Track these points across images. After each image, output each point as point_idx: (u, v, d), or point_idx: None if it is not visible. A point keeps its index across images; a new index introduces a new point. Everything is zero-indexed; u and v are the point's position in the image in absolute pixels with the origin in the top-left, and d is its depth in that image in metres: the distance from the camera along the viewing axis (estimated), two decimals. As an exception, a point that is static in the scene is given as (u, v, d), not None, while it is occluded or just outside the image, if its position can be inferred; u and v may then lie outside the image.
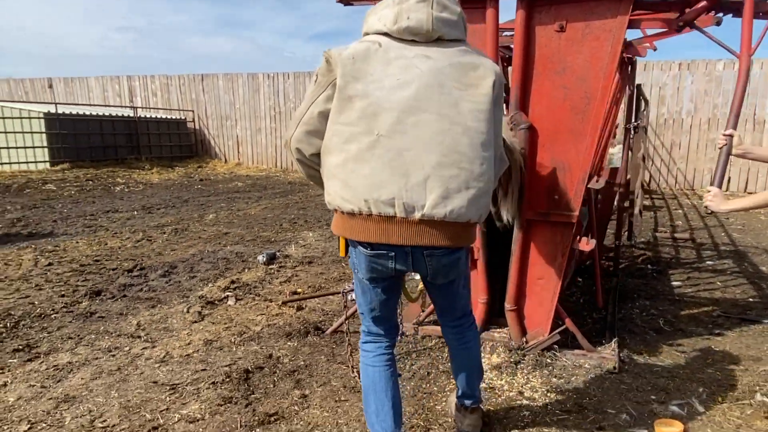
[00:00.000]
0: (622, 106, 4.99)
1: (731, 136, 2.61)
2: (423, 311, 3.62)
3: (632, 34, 3.91)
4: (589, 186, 3.02)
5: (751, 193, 7.28)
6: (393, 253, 1.90)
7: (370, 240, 1.88)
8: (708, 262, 5.52)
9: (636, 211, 6.44)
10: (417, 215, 1.81)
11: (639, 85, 4.66)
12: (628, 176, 4.70)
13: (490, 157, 1.88)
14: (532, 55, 2.91)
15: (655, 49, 4.18)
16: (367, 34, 1.93)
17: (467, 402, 2.42)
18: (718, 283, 4.78)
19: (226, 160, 16.20)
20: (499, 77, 1.89)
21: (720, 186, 2.50)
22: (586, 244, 2.96)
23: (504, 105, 2.02)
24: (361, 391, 2.78)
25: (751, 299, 4.34)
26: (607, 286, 4.54)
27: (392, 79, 1.81)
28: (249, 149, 15.87)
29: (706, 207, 2.47)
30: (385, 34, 1.87)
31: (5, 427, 2.57)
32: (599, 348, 3.25)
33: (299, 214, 8.48)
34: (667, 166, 11.32)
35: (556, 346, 3.19)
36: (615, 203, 4.81)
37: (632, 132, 4.47)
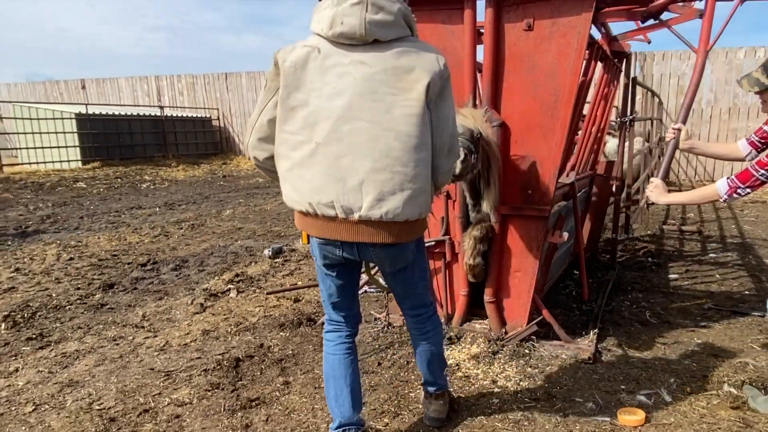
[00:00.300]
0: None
1: (679, 130, 2.65)
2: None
3: (619, 28, 3.92)
4: (559, 180, 3.07)
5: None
6: (339, 243, 2.05)
7: (319, 236, 2.05)
8: (711, 255, 5.45)
9: (642, 203, 6.40)
10: (355, 216, 1.94)
11: (634, 78, 4.63)
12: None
13: (424, 158, 1.94)
14: (502, 53, 2.97)
15: (649, 42, 4.17)
16: (313, 31, 2.00)
17: (430, 389, 2.53)
18: (717, 275, 4.74)
19: (249, 156, 16.56)
20: (436, 77, 1.90)
21: (664, 178, 2.55)
22: (558, 238, 3.02)
23: (449, 100, 2.02)
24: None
25: (747, 292, 4.29)
26: (602, 278, 4.56)
27: (329, 88, 1.90)
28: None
29: (646, 198, 2.52)
30: (326, 39, 1.93)
31: (13, 408, 2.81)
32: (578, 339, 3.31)
33: (312, 209, 8.67)
34: (687, 158, 11.07)
35: (534, 337, 3.26)
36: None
37: (628, 125, 4.46)
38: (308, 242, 2.21)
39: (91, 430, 2.57)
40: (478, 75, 3.19)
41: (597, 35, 3.81)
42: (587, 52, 3.26)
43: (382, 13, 1.87)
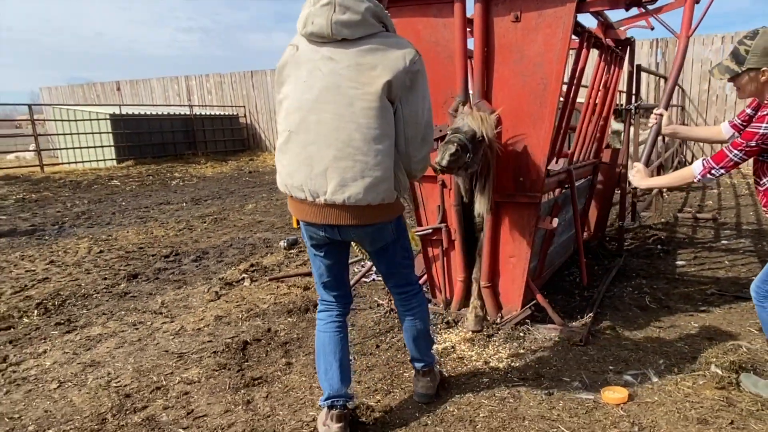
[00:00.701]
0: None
1: (661, 115, 2.68)
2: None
3: (618, 15, 3.94)
4: (548, 168, 3.14)
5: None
6: (321, 226, 2.23)
7: (294, 215, 2.28)
8: (723, 242, 5.38)
9: (655, 191, 6.34)
10: (321, 200, 2.12)
11: (638, 66, 4.60)
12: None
13: (385, 149, 2.08)
14: (492, 45, 3.06)
15: (652, 29, 4.16)
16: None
17: (417, 365, 2.66)
18: (726, 262, 4.69)
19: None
20: (400, 74, 2.03)
21: (646, 163, 2.60)
22: (549, 224, 3.09)
23: (420, 92, 2.14)
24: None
25: (754, 277, 4.24)
26: (608, 266, 4.58)
27: (301, 81, 2.10)
28: (297, 141, 16.47)
29: (629, 183, 2.58)
30: (303, 37, 2.12)
31: (40, 385, 3.06)
32: (572, 323, 3.37)
33: (332, 202, 8.85)
34: (711, 145, 10.78)
35: (528, 321, 3.34)
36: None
37: (633, 113, 4.45)
38: (298, 226, 2.39)
39: (107, 405, 2.79)
40: (470, 66, 3.27)
41: (593, 23, 3.84)
42: (578, 40, 3.31)
43: (349, 13, 2.01)
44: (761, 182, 2.44)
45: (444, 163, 2.66)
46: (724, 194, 8.15)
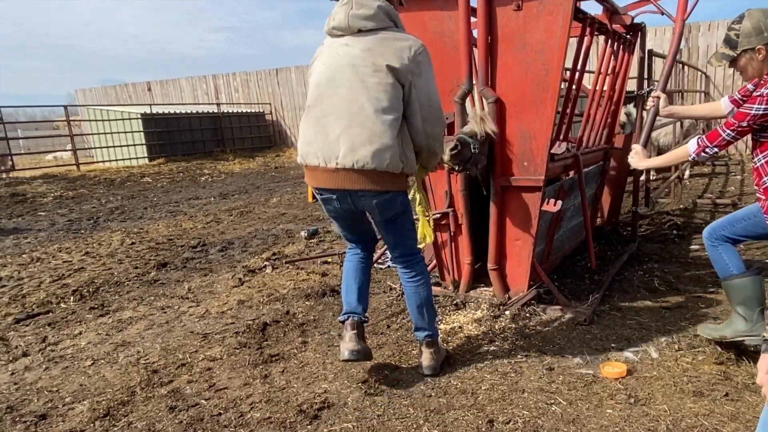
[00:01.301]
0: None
1: (659, 98, 2.74)
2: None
3: (625, 0, 3.98)
4: (551, 151, 3.22)
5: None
6: (335, 196, 2.51)
7: (310, 183, 2.57)
8: (741, 226, 5.33)
9: (673, 177, 6.30)
10: (332, 165, 2.41)
11: (650, 51, 4.61)
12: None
13: (392, 120, 2.35)
14: (495, 34, 3.16)
15: (662, 14, 4.17)
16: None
17: (420, 335, 2.82)
18: (741, 246, 4.67)
19: (301, 148, 17.21)
20: (406, 60, 2.35)
21: (645, 145, 2.67)
22: (553, 206, 3.18)
23: (428, 78, 2.42)
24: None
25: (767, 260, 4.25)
26: (621, 251, 4.62)
27: (322, 64, 2.47)
28: (321, 137, 16.72)
29: (623, 168, 2.65)
30: (327, 34, 2.53)
31: (76, 363, 3.31)
32: (579, 304, 3.45)
33: (354, 194, 9.03)
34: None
35: (534, 302, 3.44)
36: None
37: (645, 98, 4.46)
38: (314, 200, 2.63)
39: (137, 379, 3.01)
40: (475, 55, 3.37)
41: (600, 10, 3.88)
42: (581, 26, 3.37)
43: (363, 9, 2.38)
44: (755, 159, 2.49)
45: (446, 157, 2.86)
46: (747, 180, 8.02)
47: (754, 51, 2.38)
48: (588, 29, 3.34)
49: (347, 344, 2.69)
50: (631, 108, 4.24)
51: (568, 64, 3.67)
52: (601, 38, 3.88)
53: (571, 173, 3.87)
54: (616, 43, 3.94)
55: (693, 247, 4.74)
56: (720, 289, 3.73)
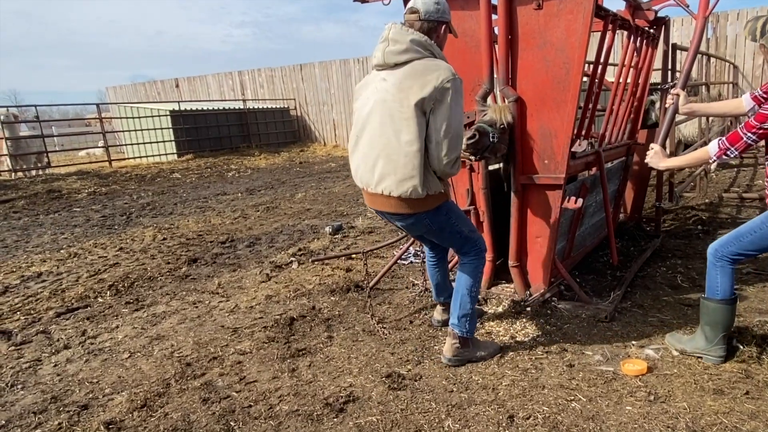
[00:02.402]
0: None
1: (678, 95, 2.74)
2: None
3: (648, -4, 3.93)
4: (573, 150, 3.24)
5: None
6: (377, 211, 2.86)
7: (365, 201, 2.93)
8: None
9: (698, 171, 6.20)
10: (370, 190, 2.74)
11: (674, 45, 4.55)
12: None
13: (413, 152, 2.54)
14: (516, 33, 3.19)
15: (686, 6, 4.13)
16: None
17: (450, 323, 2.99)
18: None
19: (324, 143, 17.34)
20: (433, 92, 2.49)
21: (663, 144, 2.67)
22: (574, 203, 3.20)
23: (450, 106, 2.53)
24: (373, 333, 3.38)
25: (798, 256, 4.17)
26: (645, 247, 4.60)
27: (364, 98, 2.74)
28: (344, 132, 16.83)
29: (636, 163, 2.67)
30: (374, 67, 2.75)
31: (113, 355, 3.48)
32: (600, 301, 3.48)
33: (378, 189, 9.11)
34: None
35: (555, 299, 3.48)
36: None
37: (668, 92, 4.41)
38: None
39: (171, 372, 3.16)
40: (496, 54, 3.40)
41: (622, 5, 3.86)
42: (602, 23, 3.37)
43: (397, 45, 2.59)
44: (767, 163, 2.49)
45: (463, 146, 2.90)
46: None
47: None
48: (610, 26, 3.33)
49: (435, 314, 3.49)
50: (656, 97, 4.20)
51: (591, 58, 3.68)
52: (625, 32, 3.86)
53: (593, 170, 3.87)
54: (639, 39, 3.91)
55: (719, 242, 4.68)
56: (744, 286, 3.72)
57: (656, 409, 2.43)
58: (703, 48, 9.92)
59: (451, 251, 3.31)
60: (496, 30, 3.36)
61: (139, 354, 3.46)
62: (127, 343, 3.64)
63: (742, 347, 2.79)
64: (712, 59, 9.65)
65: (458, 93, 2.56)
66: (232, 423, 2.56)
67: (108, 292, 4.66)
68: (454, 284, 3.06)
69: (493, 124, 3.10)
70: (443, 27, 2.71)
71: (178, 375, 3.08)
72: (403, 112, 2.53)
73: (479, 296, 3.69)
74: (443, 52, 2.71)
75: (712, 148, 2.50)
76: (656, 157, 2.75)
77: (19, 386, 3.09)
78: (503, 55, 3.24)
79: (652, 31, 4.16)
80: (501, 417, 2.45)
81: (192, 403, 2.77)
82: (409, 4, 2.70)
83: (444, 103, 2.51)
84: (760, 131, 2.37)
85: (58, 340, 3.72)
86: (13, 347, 3.63)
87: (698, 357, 2.81)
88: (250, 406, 2.71)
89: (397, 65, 2.60)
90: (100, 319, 4.10)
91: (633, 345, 3.01)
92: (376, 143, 2.63)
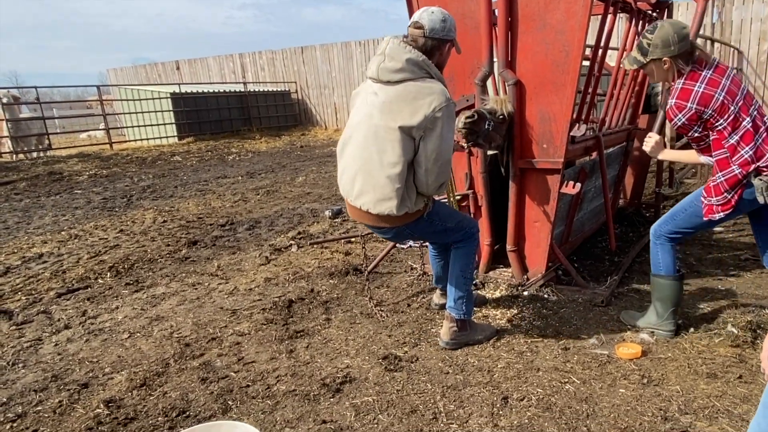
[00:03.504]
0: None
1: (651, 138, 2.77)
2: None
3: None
4: (572, 134, 3.23)
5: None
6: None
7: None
8: (770, 208, 5.23)
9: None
10: (350, 201, 2.73)
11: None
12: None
13: (395, 173, 2.52)
14: (515, 15, 3.15)
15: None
16: None
17: (447, 306, 3.01)
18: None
19: (325, 126, 17.28)
20: (422, 121, 2.45)
21: (660, 132, 2.68)
22: (572, 188, 3.20)
23: (440, 134, 2.50)
24: (371, 315, 3.40)
25: (796, 243, 4.17)
26: (644, 232, 4.61)
27: (355, 108, 2.71)
28: (345, 116, 16.75)
29: (639, 150, 2.68)
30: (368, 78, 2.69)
31: (113, 335, 3.51)
32: (597, 285, 3.49)
33: (378, 173, 9.10)
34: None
35: (553, 283, 3.49)
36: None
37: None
38: None
39: (170, 352, 3.19)
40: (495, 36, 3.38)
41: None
42: (603, 6, 3.33)
43: (393, 62, 2.52)
44: None
45: (460, 125, 2.95)
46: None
47: (660, 61, 2.56)
48: (611, 9, 3.30)
49: (434, 297, 3.51)
50: (657, 84, 4.17)
51: (591, 41, 3.65)
52: (626, 16, 3.82)
53: (593, 154, 3.86)
54: (640, 23, 3.87)
55: (717, 229, 4.69)
56: (742, 272, 3.73)
57: (649, 391, 2.46)
58: (707, 33, 9.80)
59: None
60: (496, 12, 3.32)
61: (138, 334, 3.49)
62: (127, 323, 3.67)
63: (736, 332, 2.81)
64: (716, 44, 9.54)
65: (450, 118, 2.54)
66: (230, 402, 2.60)
67: (108, 274, 4.69)
68: (451, 257, 3.04)
69: (494, 113, 3.11)
70: (447, 45, 2.64)
71: (177, 355, 3.12)
72: (389, 134, 2.50)
73: (476, 280, 3.71)
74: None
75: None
76: (656, 148, 2.77)
77: (20, 365, 3.13)
78: (503, 38, 3.21)
79: (654, 14, 4.12)
80: (495, 398, 2.48)
81: (191, 383, 2.80)
82: (414, 17, 2.61)
83: (435, 131, 2.49)
84: (677, 128, 2.60)
85: (58, 320, 3.75)
86: (14, 327, 3.67)
87: (650, 331, 2.96)
88: (248, 385, 2.74)
89: (390, 82, 2.54)
90: (101, 299, 4.13)
91: (629, 329, 3.03)
92: (358, 157, 2.61)
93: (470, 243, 2.94)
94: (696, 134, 2.57)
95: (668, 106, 2.56)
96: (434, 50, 2.59)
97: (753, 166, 2.48)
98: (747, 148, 2.48)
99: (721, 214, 2.61)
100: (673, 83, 2.59)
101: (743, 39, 10.13)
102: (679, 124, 2.56)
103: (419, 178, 2.57)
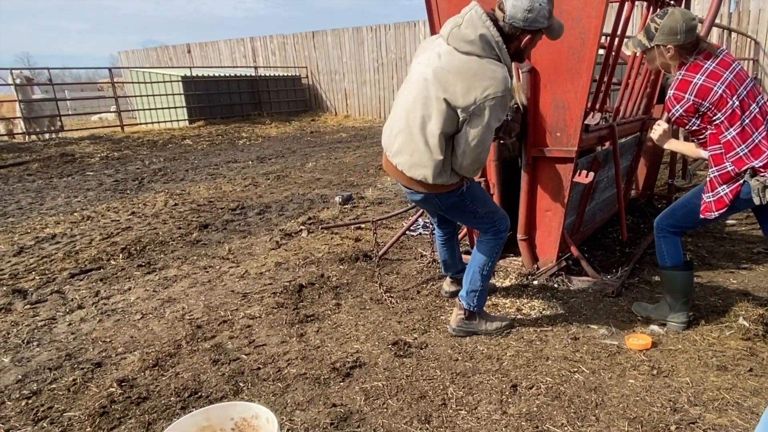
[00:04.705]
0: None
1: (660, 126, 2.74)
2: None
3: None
4: (587, 123, 3.20)
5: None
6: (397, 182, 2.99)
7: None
8: (785, 201, 5.18)
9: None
10: (388, 156, 2.72)
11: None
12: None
13: (435, 143, 2.48)
14: (532, 2, 3.11)
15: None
16: None
17: (459, 294, 3.01)
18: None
19: (336, 112, 17.22)
20: (472, 105, 2.39)
21: (669, 122, 2.65)
22: (585, 178, 3.18)
23: (486, 121, 2.43)
24: (381, 302, 3.43)
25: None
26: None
27: (417, 62, 2.61)
28: (356, 101, 16.70)
29: (650, 139, 2.65)
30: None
31: (126, 316, 3.56)
32: (608, 276, 3.48)
33: (388, 160, 9.09)
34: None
35: (562, 273, 3.49)
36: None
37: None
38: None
39: (182, 334, 3.22)
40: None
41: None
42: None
43: (468, 30, 2.41)
44: None
45: None
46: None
47: (665, 48, 2.52)
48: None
49: (444, 285, 3.50)
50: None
51: (608, 29, 3.60)
52: (644, 4, 3.76)
53: (607, 144, 3.83)
54: (658, 10, 3.81)
55: (729, 222, 4.65)
56: (754, 265, 3.71)
57: (659, 383, 2.46)
58: (725, 22, 9.63)
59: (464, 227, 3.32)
60: None
61: (150, 315, 3.53)
62: (140, 304, 3.72)
63: (747, 325, 2.80)
64: (733, 34, 9.37)
65: (500, 109, 2.45)
66: (241, 384, 2.63)
67: (120, 255, 4.74)
68: (466, 257, 3.06)
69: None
70: (529, 35, 2.46)
71: (189, 337, 3.15)
72: (437, 103, 2.45)
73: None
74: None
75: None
76: (664, 136, 2.74)
77: (35, 343, 3.18)
78: (519, 25, 3.17)
79: (672, 2, 4.05)
80: (504, 386, 2.49)
81: (202, 364, 2.84)
82: None
83: (481, 119, 2.42)
84: (675, 119, 2.56)
85: (72, 300, 3.80)
86: (28, 306, 3.72)
87: (662, 323, 2.96)
88: (259, 368, 2.77)
89: (456, 50, 2.44)
90: (113, 280, 4.17)
91: (639, 320, 3.03)
92: (404, 117, 2.57)
93: (495, 240, 2.87)
94: (694, 127, 2.54)
95: (667, 97, 2.54)
96: (512, 37, 2.46)
97: (748, 165, 2.45)
98: (743, 146, 2.45)
99: (716, 213, 2.59)
100: (675, 73, 2.56)
101: (760, 30, 9.95)
102: (677, 115, 2.53)
103: (456, 157, 2.53)
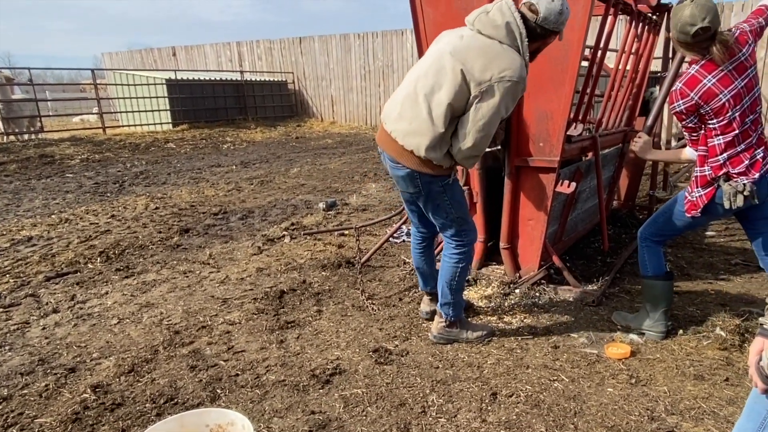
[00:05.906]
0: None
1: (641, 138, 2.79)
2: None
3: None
4: (568, 133, 3.23)
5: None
6: (381, 152, 2.79)
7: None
8: (761, 214, 5.28)
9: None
10: (385, 125, 2.66)
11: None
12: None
13: (438, 114, 2.46)
14: (517, 12, 3.14)
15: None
16: None
17: (434, 310, 2.99)
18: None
19: (322, 118, 17.20)
20: (486, 84, 2.40)
21: (650, 133, 2.69)
22: (567, 187, 3.21)
23: (495, 104, 2.43)
24: (362, 308, 3.41)
25: (786, 249, 4.21)
26: (635, 234, 4.63)
27: (435, 47, 2.63)
28: (342, 108, 16.70)
29: (631, 151, 2.68)
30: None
31: (102, 321, 3.49)
32: (589, 285, 3.51)
33: (372, 168, 9.09)
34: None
35: (545, 282, 3.51)
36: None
37: (649, 101, 4.42)
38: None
39: (159, 339, 3.17)
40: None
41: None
42: (604, 6, 3.33)
43: (495, 16, 2.47)
44: None
45: None
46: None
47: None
48: (611, 10, 3.30)
49: (422, 305, 3.34)
50: (655, 89, 4.18)
51: (591, 42, 3.65)
52: (627, 18, 3.82)
53: (589, 155, 3.87)
54: (640, 25, 3.88)
55: (709, 233, 4.73)
56: (732, 276, 3.76)
57: (637, 391, 2.47)
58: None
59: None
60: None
61: (127, 320, 3.47)
62: (116, 309, 3.65)
63: (724, 335, 2.83)
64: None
65: (511, 97, 2.46)
66: (218, 390, 2.59)
67: (98, 259, 4.65)
68: (441, 267, 2.95)
69: None
70: (552, 37, 2.56)
71: (167, 342, 3.10)
72: (452, 74, 2.43)
73: (468, 277, 3.71)
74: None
75: (690, 152, 2.59)
76: (645, 147, 2.77)
77: (7, 347, 3.10)
78: (504, 35, 3.20)
79: (654, 17, 4.13)
80: (484, 394, 2.49)
81: (179, 370, 2.79)
82: None
83: (492, 99, 2.41)
84: (674, 112, 2.53)
85: (46, 304, 3.72)
86: (1, 309, 3.63)
87: (641, 332, 2.98)
88: (237, 375, 2.73)
89: (480, 32, 2.48)
90: (90, 284, 4.09)
91: (618, 330, 3.05)
92: (413, 83, 2.55)
93: (459, 256, 2.83)
94: (691, 124, 2.54)
95: (674, 88, 2.48)
96: (538, 37, 2.51)
97: (723, 171, 2.50)
98: (725, 155, 2.49)
99: (697, 212, 2.61)
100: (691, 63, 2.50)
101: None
102: (678, 110, 2.49)
103: (457, 139, 2.51)
